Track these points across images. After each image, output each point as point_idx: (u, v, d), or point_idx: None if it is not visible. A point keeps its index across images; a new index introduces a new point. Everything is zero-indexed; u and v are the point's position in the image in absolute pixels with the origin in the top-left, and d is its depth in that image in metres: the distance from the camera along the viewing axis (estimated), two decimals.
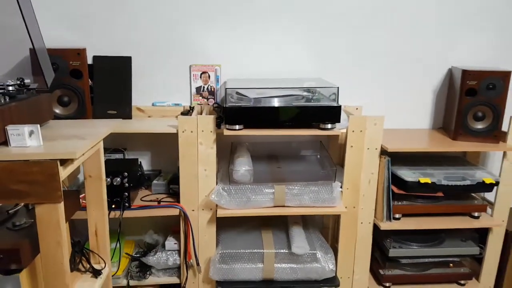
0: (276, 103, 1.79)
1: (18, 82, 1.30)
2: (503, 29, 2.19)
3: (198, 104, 2.16)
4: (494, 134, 2.00)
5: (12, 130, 1.14)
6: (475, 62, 2.21)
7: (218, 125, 1.84)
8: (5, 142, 1.17)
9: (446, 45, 2.19)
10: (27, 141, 1.15)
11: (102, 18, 2.05)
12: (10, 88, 1.26)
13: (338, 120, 1.79)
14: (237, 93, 1.85)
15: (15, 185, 1.11)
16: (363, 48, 2.17)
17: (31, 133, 1.15)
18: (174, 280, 2.02)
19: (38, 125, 1.16)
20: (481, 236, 2.13)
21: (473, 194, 2.13)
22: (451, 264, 2.15)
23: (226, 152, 2.14)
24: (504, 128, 2.00)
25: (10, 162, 1.10)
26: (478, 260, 2.18)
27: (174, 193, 2.01)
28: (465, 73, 1.98)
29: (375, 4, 2.12)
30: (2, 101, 1.21)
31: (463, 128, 2.03)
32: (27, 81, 1.32)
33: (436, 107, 2.27)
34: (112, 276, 1.83)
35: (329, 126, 1.79)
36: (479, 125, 2.02)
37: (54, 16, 2.03)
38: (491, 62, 2.22)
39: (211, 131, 1.84)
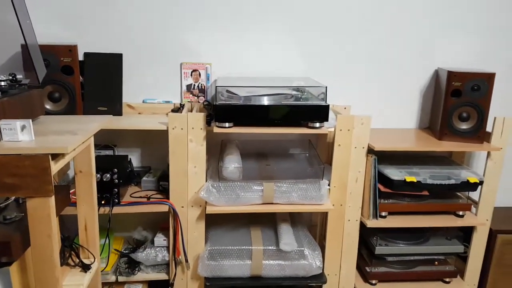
0: (265, 101, 1.82)
1: (10, 77, 1.31)
2: (487, 31, 2.23)
3: (188, 101, 2.18)
4: (479, 134, 2.04)
5: (5, 124, 1.15)
6: (461, 64, 2.26)
7: (208, 122, 1.86)
8: None
9: (433, 47, 2.23)
10: (19, 135, 1.16)
11: (94, 15, 2.05)
12: (2, 83, 1.27)
13: (326, 119, 1.82)
14: (227, 91, 1.87)
15: (7, 179, 1.12)
16: (351, 48, 2.20)
17: (23, 127, 1.16)
18: (162, 276, 2.03)
19: (30, 120, 1.17)
20: (465, 234, 2.17)
21: (458, 193, 2.17)
22: (436, 262, 2.20)
23: (216, 150, 2.16)
24: (488, 128, 2.05)
25: (2, 156, 1.11)
26: (463, 258, 2.23)
27: (163, 189, 2.03)
28: (451, 74, 2.02)
29: (363, 7, 2.15)
30: None
31: (448, 128, 2.07)
32: (19, 76, 1.33)
33: (423, 107, 2.31)
34: (101, 272, 1.84)
35: (317, 125, 1.81)
36: (464, 126, 2.07)
37: (47, 12, 2.03)
38: (476, 64, 2.27)
39: (201, 129, 1.85)
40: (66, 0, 2.02)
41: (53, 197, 1.17)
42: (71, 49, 1.91)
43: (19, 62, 1.58)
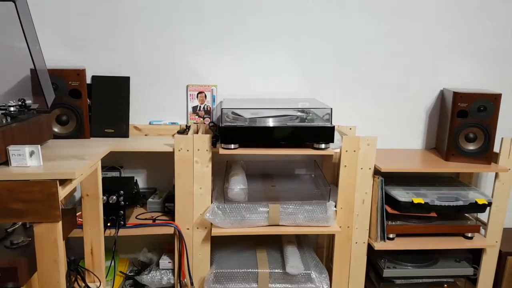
0: (271, 123, 1.82)
1: (20, 102, 1.32)
2: (491, 53, 2.24)
3: (194, 123, 2.19)
4: (486, 155, 2.03)
5: (13, 150, 1.16)
6: (466, 84, 2.26)
7: (213, 144, 1.86)
8: (6, 162, 1.19)
9: (438, 68, 2.24)
10: (28, 161, 1.17)
11: (102, 39, 2.08)
12: (12, 108, 1.29)
13: (331, 140, 1.82)
14: (233, 113, 1.88)
15: (14, 204, 1.13)
16: (356, 70, 2.21)
17: (31, 153, 1.17)
18: None
19: (39, 146, 1.18)
20: (475, 256, 2.14)
21: (466, 215, 2.15)
22: (445, 285, 2.16)
23: (221, 171, 2.16)
24: (496, 149, 2.04)
25: (10, 182, 1.12)
26: (473, 280, 2.19)
27: (169, 211, 2.02)
28: (456, 95, 2.02)
29: (367, 29, 2.17)
30: (4, 121, 1.24)
31: (455, 149, 2.06)
32: (28, 101, 1.35)
33: (429, 127, 2.31)
34: None
35: (323, 146, 1.81)
36: (471, 146, 2.06)
37: (55, 37, 2.06)
38: (482, 84, 2.27)
39: (206, 150, 1.86)
40: (74, 24, 2.06)
41: (60, 223, 1.17)
42: (79, 73, 1.93)
43: (28, 86, 1.61)
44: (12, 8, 1.32)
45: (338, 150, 1.92)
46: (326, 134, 1.81)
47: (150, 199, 2.08)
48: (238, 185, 1.86)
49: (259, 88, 2.20)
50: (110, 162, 2.15)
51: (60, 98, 1.91)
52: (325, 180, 1.97)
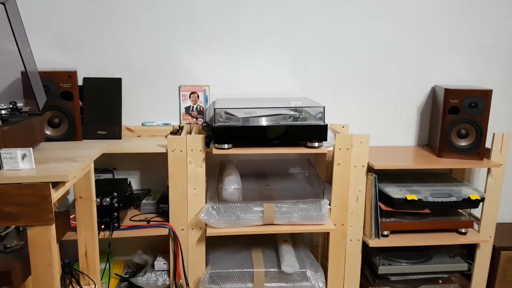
0: (264, 122, 1.82)
1: (11, 105, 1.31)
2: (483, 49, 2.26)
3: (187, 123, 2.18)
4: (478, 151, 2.04)
5: (5, 153, 1.15)
6: (457, 81, 2.28)
7: (207, 144, 1.86)
8: None
9: (429, 64, 2.25)
10: (20, 164, 1.16)
11: (93, 40, 2.07)
12: (3, 111, 1.28)
13: (324, 138, 1.82)
14: (226, 112, 1.88)
15: (7, 208, 1.12)
16: (347, 68, 2.22)
17: (23, 156, 1.16)
18: None
19: (31, 149, 1.17)
20: (469, 252, 2.16)
21: (459, 210, 2.17)
22: (440, 281, 2.17)
23: (215, 171, 2.16)
24: (488, 145, 2.05)
25: (2, 185, 1.11)
26: (467, 276, 2.20)
27: (163, 212, 2.02)
28: (448, 92, 2.03)
29: (358, 28, 2.18)
30: None
31: (447, 145, 2.07)
32: (19, 104, 1.34)
33: (421, 124, 2.32)
34: None
35: (316, 144, 1.82)
36: (463, 142, 2.07)
37: (46, 39, 2.05)
38: (473, 81, 2.29)
39: (200, 150, 1.85)
40: (65, 26, 2.05)
41: (53, 225, 1.16)
42: (71, 75, 1.92)
43: (19, 89, 1.60)
44: (2, 10, 1.31)
45: (331, 148, 1.93)
46: (319, 132, 1.81)
47: (144, 201, 2.07)
48: (232, 185, 1.86)
49: (252, 88, 2.20)
50: (103, 164, 2.14)
51: (52, 100, 1.90)
52: (319, 178, 1.98)
